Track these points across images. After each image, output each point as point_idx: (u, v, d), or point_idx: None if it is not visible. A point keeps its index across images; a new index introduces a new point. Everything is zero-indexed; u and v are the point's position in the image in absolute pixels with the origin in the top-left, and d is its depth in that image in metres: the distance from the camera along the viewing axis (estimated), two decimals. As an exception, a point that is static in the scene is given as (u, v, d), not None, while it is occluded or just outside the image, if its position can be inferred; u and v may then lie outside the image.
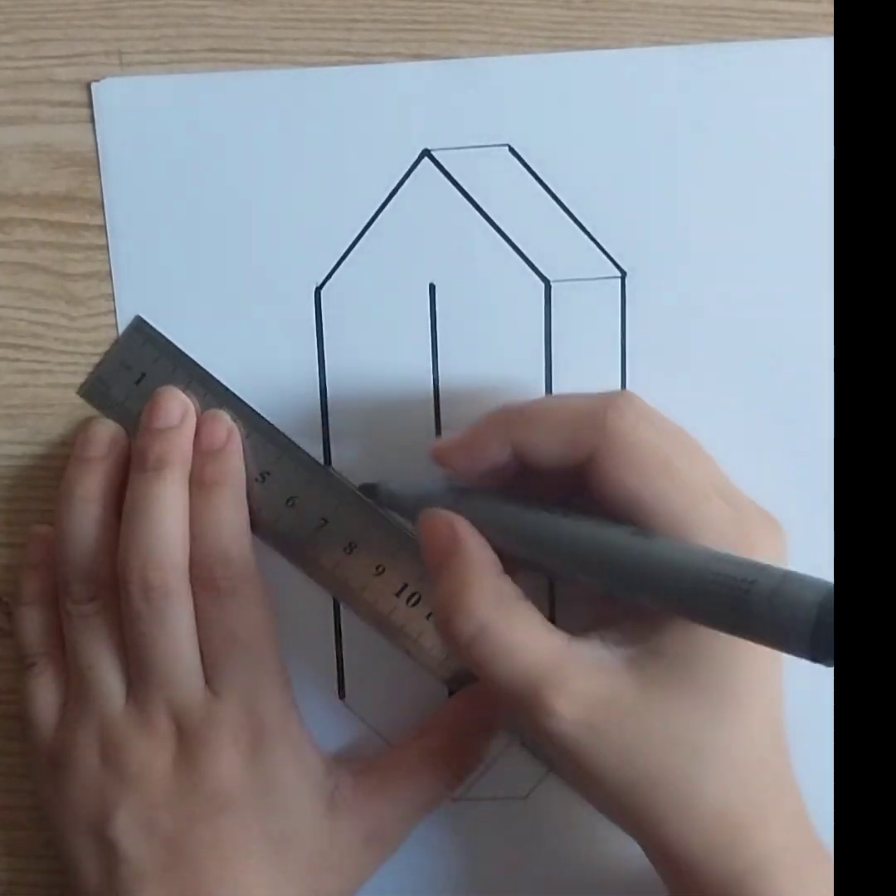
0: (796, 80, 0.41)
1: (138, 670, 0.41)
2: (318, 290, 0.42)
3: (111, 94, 0.41)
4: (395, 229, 0.42)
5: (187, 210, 0.42)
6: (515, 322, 0.42)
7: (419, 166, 0.41)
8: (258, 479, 0.43)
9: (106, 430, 0.42)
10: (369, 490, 0.42)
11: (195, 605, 0.41)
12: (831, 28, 0.41)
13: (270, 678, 0.42)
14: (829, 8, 0.41)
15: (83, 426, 0.43)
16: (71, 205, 0.42)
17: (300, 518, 0.43)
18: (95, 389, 0.43)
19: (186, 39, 0.41)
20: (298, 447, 0.43)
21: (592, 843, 0.45)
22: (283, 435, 0.43)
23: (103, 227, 0.42)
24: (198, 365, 0.43)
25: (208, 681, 0.41)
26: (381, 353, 0.43)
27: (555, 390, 0.43)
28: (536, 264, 0.42)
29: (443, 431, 0.43)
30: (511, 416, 0.38)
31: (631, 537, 0.35)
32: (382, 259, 0.42)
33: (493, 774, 0.45)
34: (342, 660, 0.45)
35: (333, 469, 0.43)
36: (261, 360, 0.43)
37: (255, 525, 0.43)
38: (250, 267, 0.42)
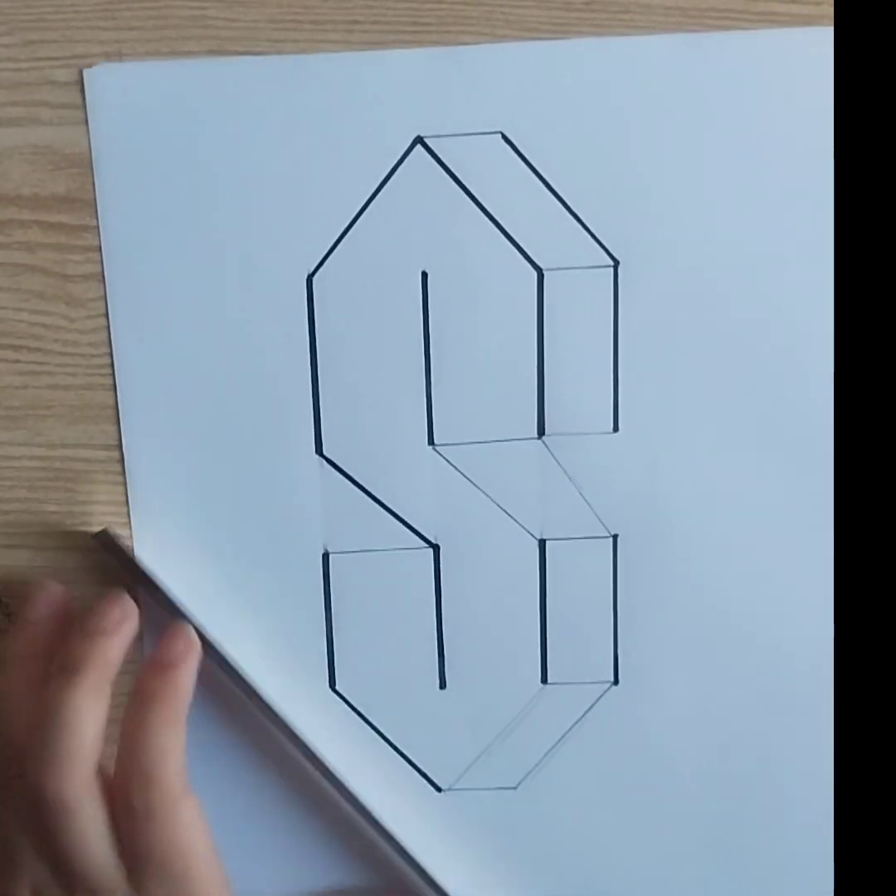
0: (790, 70, 0.41)
1: (50, 863, 0.40)
2: (309, 278, 0.42)
3: (103, 82, 0.41)
4: (387, 217, 0.42)
5: (177, 199, 0.42)
6: (508, 310, 0.42)
7: (412, 154, 0.41)
8: None
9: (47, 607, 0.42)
10: None
11: (113, 812, 0.39)
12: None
13: (187, 890, 0.40)
14: (830, 10, 0.41)
15: None
16: (71, 206, 0.42)
17: None
18: None
19: (186, 40, 0.41)
20: None
21: (581, 833, 0.45)
22: None
23: (102, 228, 0.43)
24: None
25: (128, 880, 0.39)
26: (373, 341, 0.43)
27: (547, 378, 0.43)
28: (529, 252, 0.42)
29: (434, 417, 0.43)
30: None
31: None
32: (375, 247, 0.42)
33: (482, 765, 0.44)
34: (333, 649, 0.44)
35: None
36: (253, 348, 0.43)
37: None
38: (242, 255, 0.42)
